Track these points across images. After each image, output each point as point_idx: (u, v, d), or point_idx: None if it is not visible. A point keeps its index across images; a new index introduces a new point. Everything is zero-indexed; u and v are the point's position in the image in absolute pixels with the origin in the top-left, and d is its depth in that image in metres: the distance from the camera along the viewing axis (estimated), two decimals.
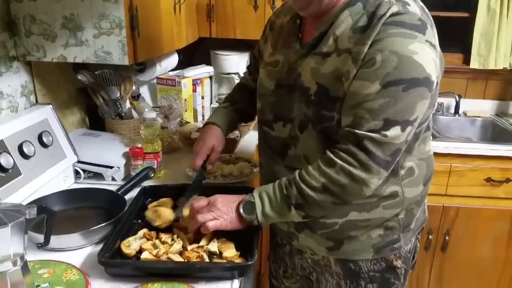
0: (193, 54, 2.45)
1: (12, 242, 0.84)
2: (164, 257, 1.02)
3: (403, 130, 0.93)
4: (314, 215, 1.06)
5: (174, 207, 1.25)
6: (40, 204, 1.10)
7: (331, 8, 1.01)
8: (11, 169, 1.14)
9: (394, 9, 0.93)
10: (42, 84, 1.46)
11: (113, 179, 1.47)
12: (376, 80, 0.91)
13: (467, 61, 2.53)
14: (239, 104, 1.40)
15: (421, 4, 1.00)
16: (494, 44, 2.41)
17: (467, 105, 2.60)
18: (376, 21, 0.93)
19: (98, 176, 1.49)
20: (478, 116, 2.56)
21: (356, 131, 0.94)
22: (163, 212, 1.17)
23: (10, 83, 1.31)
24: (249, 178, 1.52)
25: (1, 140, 1.15)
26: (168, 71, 2.19)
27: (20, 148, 1.20)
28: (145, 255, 1.02)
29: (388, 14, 0.92)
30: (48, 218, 0.93)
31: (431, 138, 1.17)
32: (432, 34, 0.95)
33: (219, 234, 1.10)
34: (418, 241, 1.28)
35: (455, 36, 2.61)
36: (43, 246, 0.97)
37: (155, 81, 2.11)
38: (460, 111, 2.58)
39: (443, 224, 2.19)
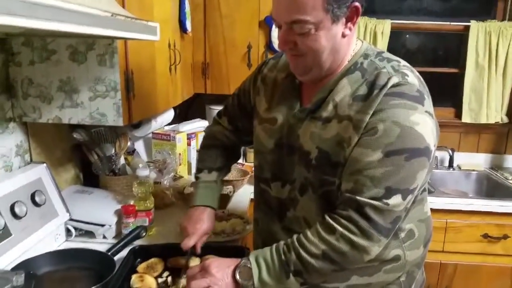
0: (188, 109, 2.51)
1: None
2: None
3: (404, 198, 0.94)
4: (312, 282, 1.04)
5: (165, 267, 1.25)
6: (29, 267, 1.11)
7: (329, 75, 1.05)
8: (1, 230, 1.14)
9: (395, 80, 0.96)
10: (37, 143, 1.48)
11: (104, 237, 1.47)
12: (378, 148, 0.93)
13: (459, 115, 2.58)
14: (223, 171, 1.39)
15: (417, 74, 1.03)
16: (485, 99, 2.47)
17: (461, 158, 2.62)
18: (377, 91, 0.96)
19: (90, 233, 1.48)
20: (473, 170, 2.58)
21: (358, 197, 0.94)
22: (146, 279, 1.17)
23: (6, 144, 1.33)
24: (242, 235, 1.51)
25: None
26: (164, 126, 2.23)
27: (12, 209, 1.20)
28: None
29: (389, 85, 0.96)
30: (36, 285, 0.92)
31: (427, 200, 1.17)
32: (429, 104, 0.98)
33: None
34: None
35: (446, 91, 2.68)
36: None
37: (150, 135, 2.14)
38: (454, 165, 2.60)
39: (441, 281, 2.15)
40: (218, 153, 1.39)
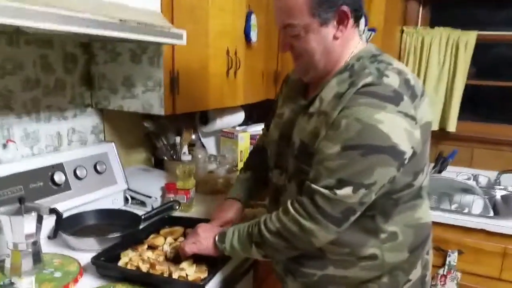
0: (261, 113, 2.75)
1: (26, 229, 1.17)
2: (133, 266, 1.25)
3: (354, 191, 1.00)
4: (272, 256, 1.18)
5: (183, 235, 1.50)
6: (79, 218, 1.54)
7: (327, 74, 1.14)
8: (62, 184, 1.53)
9: (368, 80, 1.02)
10: (111, 126, 1.88)
11: (152, 206, 1.79)
12: (338, 142, 1.00)
13: None
14: (258, 172, 1.48)
15: (407, 77, 1.06)
16: None
17: None
18: (351, 89, 1.03)
19: (143, 203, 1.82)
20: None
21: (312, 185, 1.04)
22: (159, 238, 1.44)
23: (83, 124, 1.74)
24: None
25: (61, 162, 1.55)
26: (237, 126, 2.51)
27: (75, 170, 1.58)
28: (120, 262, 1.27)
29: (360, 85, 1.02)
30: (57, 219, 1.26)
31: (426, 206, 1.20)
32: (411, 105, 1.02)
33: (203, 261, 1.29)
34: None
35: None
36: (51, 238, 1.31)
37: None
38: None
39: None
40: (255, 156, 1.56)
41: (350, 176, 1.00)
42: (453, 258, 2.03)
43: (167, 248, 1.39)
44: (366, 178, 1.00)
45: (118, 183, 1.76)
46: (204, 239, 1.26)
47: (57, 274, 1.22)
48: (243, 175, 1.52)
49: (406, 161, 1.03)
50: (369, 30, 2.19)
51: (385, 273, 1.15)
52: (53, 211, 1.23)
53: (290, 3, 1.07)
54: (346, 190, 1.00)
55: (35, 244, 1.21)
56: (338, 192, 1.00)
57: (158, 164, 2.15)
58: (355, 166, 0.99)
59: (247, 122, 2.62)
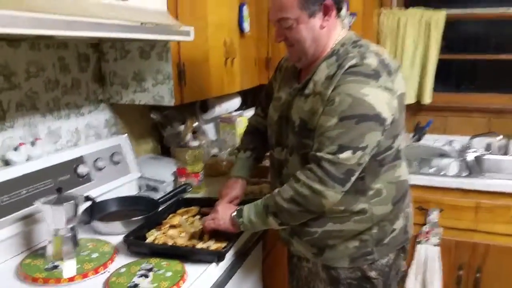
0: (255, 97, 2.90)
1: (65, 216, 1.32)
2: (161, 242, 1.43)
3: (353, 153, 1.20)
4: (287, 222, 1.35)
5: (199, 214, 1.66)
6: (101, 205, 1.65)
7: (316, 59, 1.34)
8: (85, 176, 1.66)
9: (353, 62, 1.23)
10: (122, 119, 2.00)
11: (165, 191, 1.94)
12: (335, 115, 1.20)
13: None
14: (257, 152, 1.67)
15: (383, 57, 1.27)
16: None
17: None
18: (339, 70, 1.24)
19: (154, 189, 1.97)
20: None
21: (317, 153, 1.23)
22: (175, 217, 1.59)
23: (97, 118, 1.87)
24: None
25: (82, 155, 1.68)
26: (233, 111, 2.65)
27: (95, 162, 1.72)
28: (148, 240, 1.44)
29: (347, 66, 1.23)
30: (92, 205, 1.40)
31: (404, 167, 1.41)
32: (388, 79, 1.23)
33: (221, 236, 1.44)
34: (402, 259, 1.48)
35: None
36: (87, 223, 1.45)
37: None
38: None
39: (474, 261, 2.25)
40: (252, 137, 1.72)
41: (348, 141, 1.19)
42: (434, 216, 2.28)
43: (183, 222, 1.53)
44: (361, 142, 1.20)
45: (132, 172, 1.90)
46: (222, 215, 1.42)
47: (94, 255, 1.37)
48: (243, 154, 1.68)
49: (387, 127, 1.24)
50: (350, 14, 2.36)
51: (374, 224, 1.35)
52: (87, 198, 1.37)
53: (284, 0, 1.26)
54: (347, 154, 1.19)
55: (73, 229, 1.35)
56: (340, 156, 1.19)
57: (165, 151, 2.29)
58: (351, 133, 1.19)
59: (242, 107, 2.77)
